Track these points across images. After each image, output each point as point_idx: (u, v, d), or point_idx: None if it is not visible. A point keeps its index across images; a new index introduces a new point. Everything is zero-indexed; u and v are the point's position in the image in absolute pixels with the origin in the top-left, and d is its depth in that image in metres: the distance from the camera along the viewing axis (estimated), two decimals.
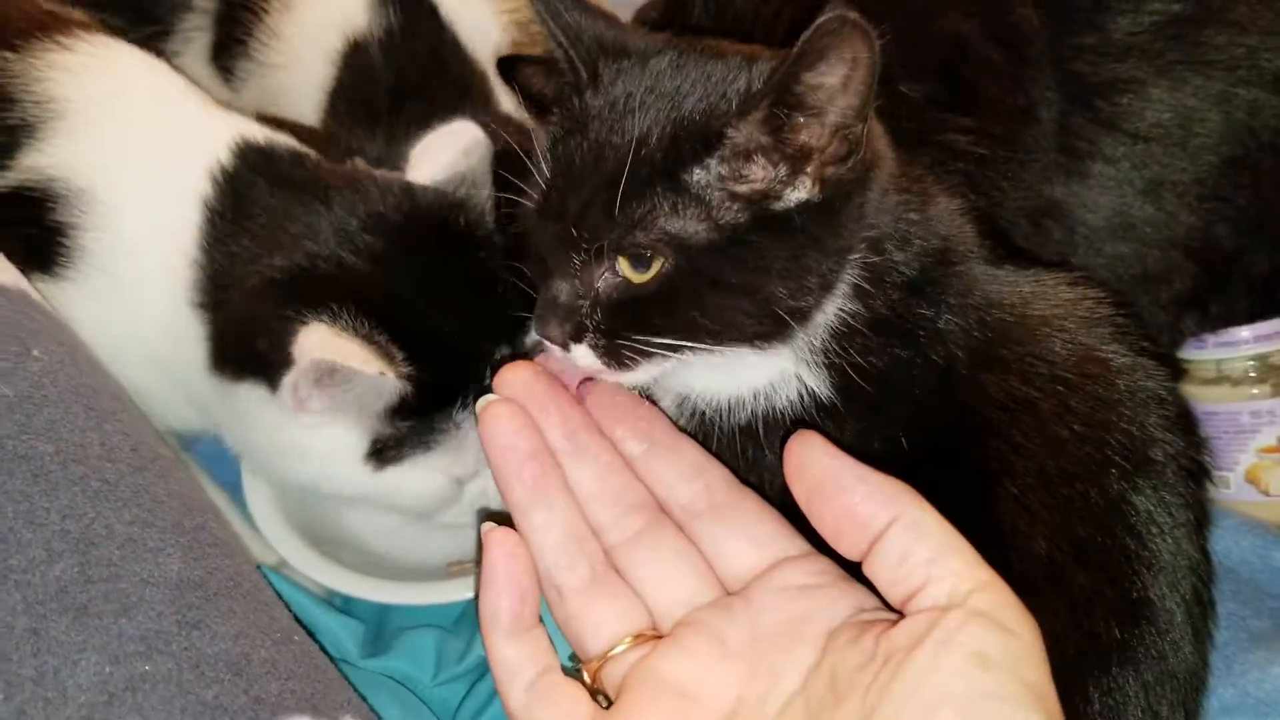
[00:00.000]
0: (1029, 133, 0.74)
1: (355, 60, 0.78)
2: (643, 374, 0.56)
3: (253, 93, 0.81)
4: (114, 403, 0.55)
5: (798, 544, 0.52)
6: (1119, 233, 0.75)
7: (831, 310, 0.55)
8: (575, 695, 0.50)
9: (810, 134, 0.50)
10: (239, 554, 0.55)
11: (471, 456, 0.67)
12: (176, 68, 0.73)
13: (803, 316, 0.54)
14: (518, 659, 0.50)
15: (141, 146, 0.67)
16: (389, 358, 0.61)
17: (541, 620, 0.52)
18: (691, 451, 0.56)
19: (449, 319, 0.65)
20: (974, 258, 0.59)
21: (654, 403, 0.60)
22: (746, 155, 0.51)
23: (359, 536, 0.77)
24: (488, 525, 0.52)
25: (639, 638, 0.51)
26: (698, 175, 0.51)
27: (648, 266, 0.52)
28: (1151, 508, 0.59)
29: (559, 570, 0.52)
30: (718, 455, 0.58)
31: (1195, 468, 0.60)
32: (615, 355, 0.54)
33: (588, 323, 0.54)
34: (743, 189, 0.51)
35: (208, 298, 0.65)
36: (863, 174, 0.53)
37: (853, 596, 0.48)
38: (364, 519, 0.78)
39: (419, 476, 0.66)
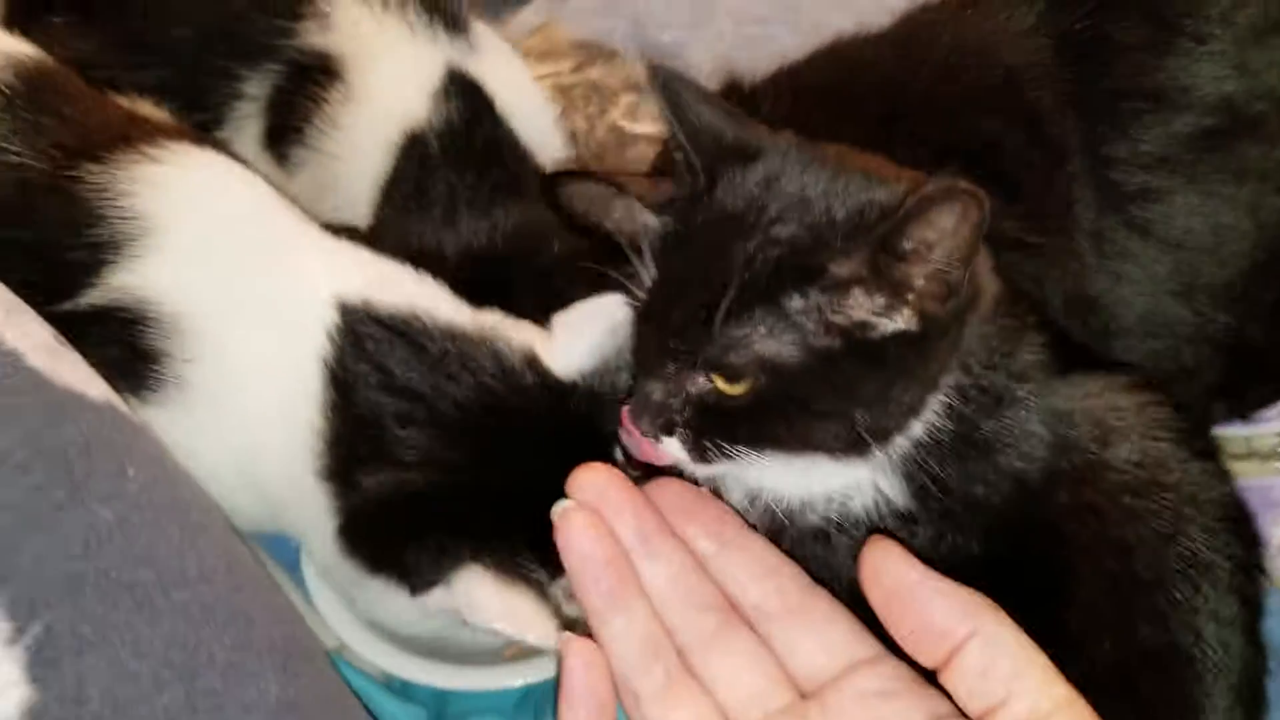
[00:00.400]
0: (1071, 227, 0.76)
1: (413, 151, 0.78)
2: (724, 468, 0.58)
3: (306, 178, 0.81)
4: (205, 516, 0.56)
5: (872, 647, 0.52)
6: (1153, 330, 0.77)
7: (916, 427, 0.56)
8: None
9: (911, 275, 0.51)
10: (327, 667, 0.56)
11: None
12: (264, 176, 0.70)
13: (886, 437, 0.55)
14: None
15: (245, 277, 0.65)
16: (541, 590, 0.61)
17: None
18: (763, 550, 0.56)
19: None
20: (1047, 373, 0.61)
21: (723, 498, 0.61)
22: (847, 287, 0.52)
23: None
24: (565, 635, 0.53)
25: None
26: (797, 302, 0.52)
27: (739, 380, 0.53)
28: (1210, 611, 0.60)
29: (636, 676, 0.52)
30: (788, 553, 0.58)
31: (1255, 569, 0.63)
32: (701, 452, 0.56)
33: (677, 419, 0.55)
34: (839, 319, 0.52)
35: (335, 472, 0.62)
36: (961, 311, 0.55)
37: (929, 704, 0.49)
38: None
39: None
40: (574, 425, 0.64)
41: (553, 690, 0.69)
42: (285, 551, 0.75)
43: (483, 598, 0.59)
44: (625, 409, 0.58)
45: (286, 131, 0.80)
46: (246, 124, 0.82)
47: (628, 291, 0.58)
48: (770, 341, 0.52)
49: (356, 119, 0.80)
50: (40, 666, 0.47)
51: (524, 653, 0.74)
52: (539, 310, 0.66)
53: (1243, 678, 0.61)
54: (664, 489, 0.57)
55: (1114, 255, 0.76)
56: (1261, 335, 0.77)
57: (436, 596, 0.60)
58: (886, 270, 0.51)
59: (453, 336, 0.63)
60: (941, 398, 0.56)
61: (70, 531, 0.49)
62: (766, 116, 0.76)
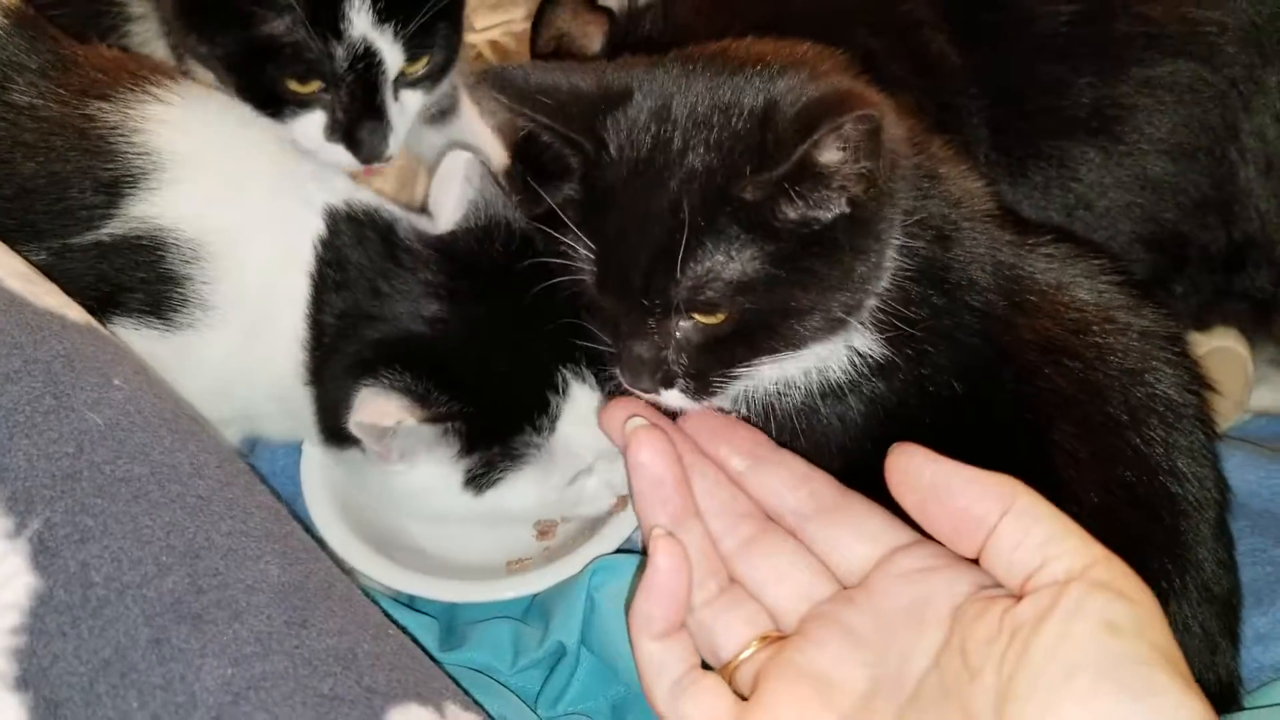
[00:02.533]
0: (960, 133, 0.75)
1: None
2: (729, 397, 0.59)
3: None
4: (193, 424, 0.56)
5: (907, 534, 0.53)
6: (1069, 228, 0.77)
7: (889, 271, 0.57)
8: (718, 690, 0.51)
9: (827, 184, 0.52)
10: (325, 558, 0.56)
11: (560, 469, 0.70)
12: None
13: (861, 307, 0.57)
14: (665, 658, 0.52)
15: (254, 203, 0.68)
16: (423, 404, 0.64)
17: None
18: (794, 462, 0.57)
19: (500, 352, 0.67)
20: (989, 213, 0.61)
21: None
22: (773, 203, 0.52)
23: (420, 541, 0.78)
24: (657, 530, 0.54)
25: (765, 639, 0.53)
26: (736, 227, 0.53)
27: (718, 310, 0.54)
28: (1185, 447, 0.61)
29: (693, 589, 0.54)
30: (779, 439, 0.60)
31: (1209, 417, 0.63)
32: (705, 390, 0.57)
33: (676, 369, 0.56)
34: (780, 225, 0.53)
35: (312, 376, 0.68)
36: (887, 186, 0.55)
37: (971, 575, 0.49)
38: (425, 524, 0.79)
39: (520, 491, 0.70)
40: (472, 265, 0.69)
41: (560, 594, 0.70)
42: (285, 486, 0.76)
43: (361, 408, 0.64)
44: (619, 375, 0.58)
45: None
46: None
47: (571, 269, 0.58)
48: (732, 264, 0.53)
49: None
50: (44, 556, 0.47)
51: (524, 566, 0.75)
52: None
53: (1219, 511, 0.62)
54: (696, 418, 0.59)
55: (1015, 154, 0.77)
56: (1180, 221, 0.78)
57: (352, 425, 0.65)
58: (803, 187, 0.52)
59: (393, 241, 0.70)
60: (894, 243, 0.57)
61: (61, 433, 0.50)
62: (649, 34, 0.77)
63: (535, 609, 0.73)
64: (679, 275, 0.52)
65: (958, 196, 0.60)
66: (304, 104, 0.72)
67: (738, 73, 0.55)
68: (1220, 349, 0.84)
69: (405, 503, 0.74)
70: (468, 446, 0.68)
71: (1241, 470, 0.76)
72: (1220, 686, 0.61)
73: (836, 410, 0.60)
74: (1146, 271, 0.79)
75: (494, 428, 0.68)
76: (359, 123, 0.73)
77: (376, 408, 0.64)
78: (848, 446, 0.60)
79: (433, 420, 0.65)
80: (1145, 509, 0.60)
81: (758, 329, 0.55)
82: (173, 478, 0.51)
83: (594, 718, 0.67)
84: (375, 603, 0.58)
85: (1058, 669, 0.42)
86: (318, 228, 0.68)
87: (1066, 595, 0.43)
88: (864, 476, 0.53)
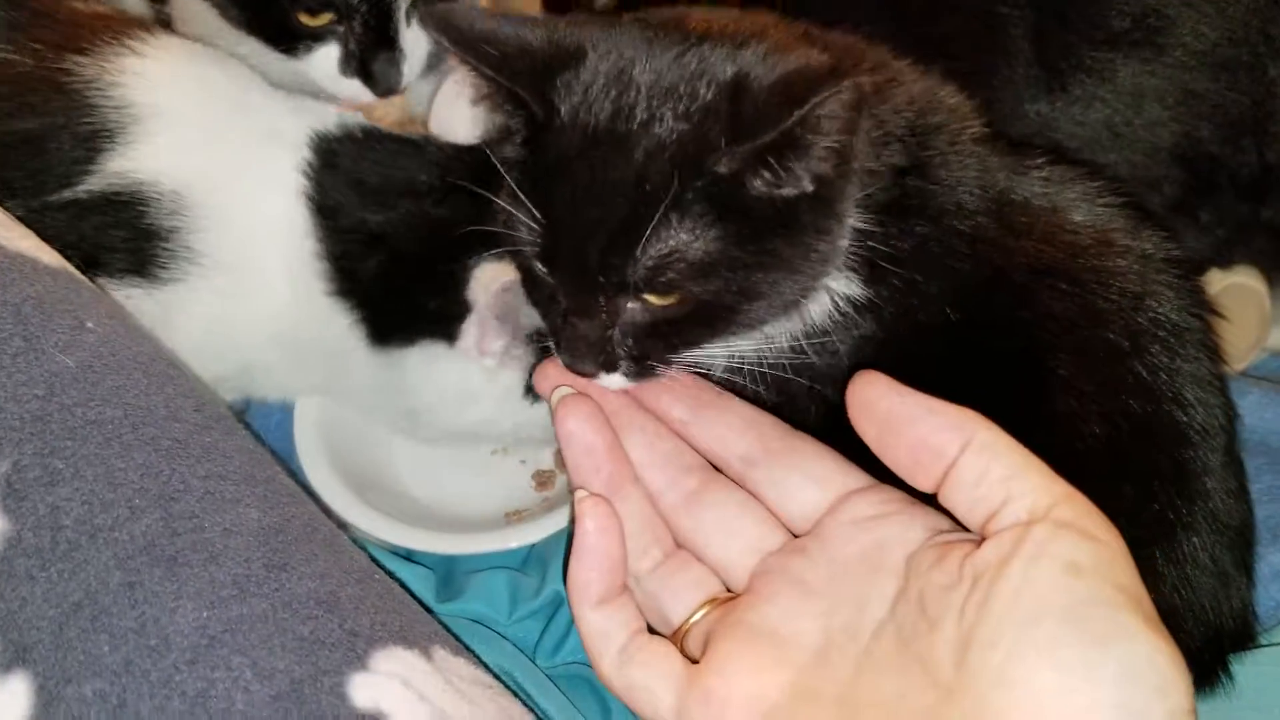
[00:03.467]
0: (999, 46, 0.74)
1: None
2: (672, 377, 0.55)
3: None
4: (170, 368, 0.55)
5: (860, 477, 0.51)
6: (1105, 143, 0.75)
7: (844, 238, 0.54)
8: (667, 654, 0.49)
9: (801, 160, 0.49)
10: (309, 503, 0.55)
11: None
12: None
13: (817, 287, 0.54)
14: (608, 626, 0.50)
15: (231, 147, 0.67)
16: None
17: None
18: (739, 406, 0.55)
19: None
20: (978, 137, 0.59)
21: None
22: (740, 177, 0.49)
23: (417, 495, 0.77)
24: (581, 493, 0.51)
25: (714, 601, 0.51)
26: (704, 203, 0.49)
27: (673, 292, 0.51)
28: (1190, 373, 0.59)
29: (633, 557, 0.51)
30: (755, 395, 0.57)
31: (1214, 342, 0.60)
32: (648, 372, 0.54)
33: (620, 351, 0.53)
34: (743, 200, 0.50)
35: (342, 285, 0.66)
36: (854, 163, 0.52)
37: (927, 519, 0.47)
38: (421, 476, 0.77)
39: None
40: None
41: (558, 544, 0.69)
42: (278, 442, 0.75)
43: (489, 275, 0.64)
44: (557, 353, 0.55)
45: None
46: None
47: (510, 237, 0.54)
48: (694, 245, 0.50)
49: None
50: (13, 499, 0.46)
51: (523, 517, 0.74)
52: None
53: (1228, 439, 0.60)
54: None
55: (1058, 66, 0.74)
56: (1213, 140, 0.75)
57: (473, 320, 0.66)
58: (782, 159, 0.49)
59: (386, 137, 0.69)
60: (854, 198, 0.54)
61: (31, 375, 0.48)
62: None
63: (533, 559, 0.71)
64: (639, 254, 0.49)
65: (939, 122, 0.57)
66: (316, 37, 0.70)
67: (702, 42, 0.52)
68: (1238, 284, 0.81)
69: (418, 431, 0.73)
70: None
71: (1259, 409, 0.74)
72: (1233, 619, 0.59)
73: (821, 357, 0.57)
74: (1176, 194, 0.77)
75: None
76: (374, 54, 0.70)
77: (495, 270, 0.64)
78: (830, 397, 0.56)
79: None
80: (1150, 438, 0.57)
81: (712, 312, 0.52)
82: (147, 420, 0.50)
83: None
84: (363, 549, 0.57)
85: (1020, 616, 0.39)
86: (305, 157, 0.67)
87: (1029, 537, 0.41)
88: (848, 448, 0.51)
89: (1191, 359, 0.58)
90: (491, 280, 0.64)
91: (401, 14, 0.70)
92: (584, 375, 0.54)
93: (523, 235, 0.52)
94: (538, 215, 0.51)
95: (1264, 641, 0.62)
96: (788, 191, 0.50)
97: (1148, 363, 0.57)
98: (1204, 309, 0.60)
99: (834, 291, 0.56)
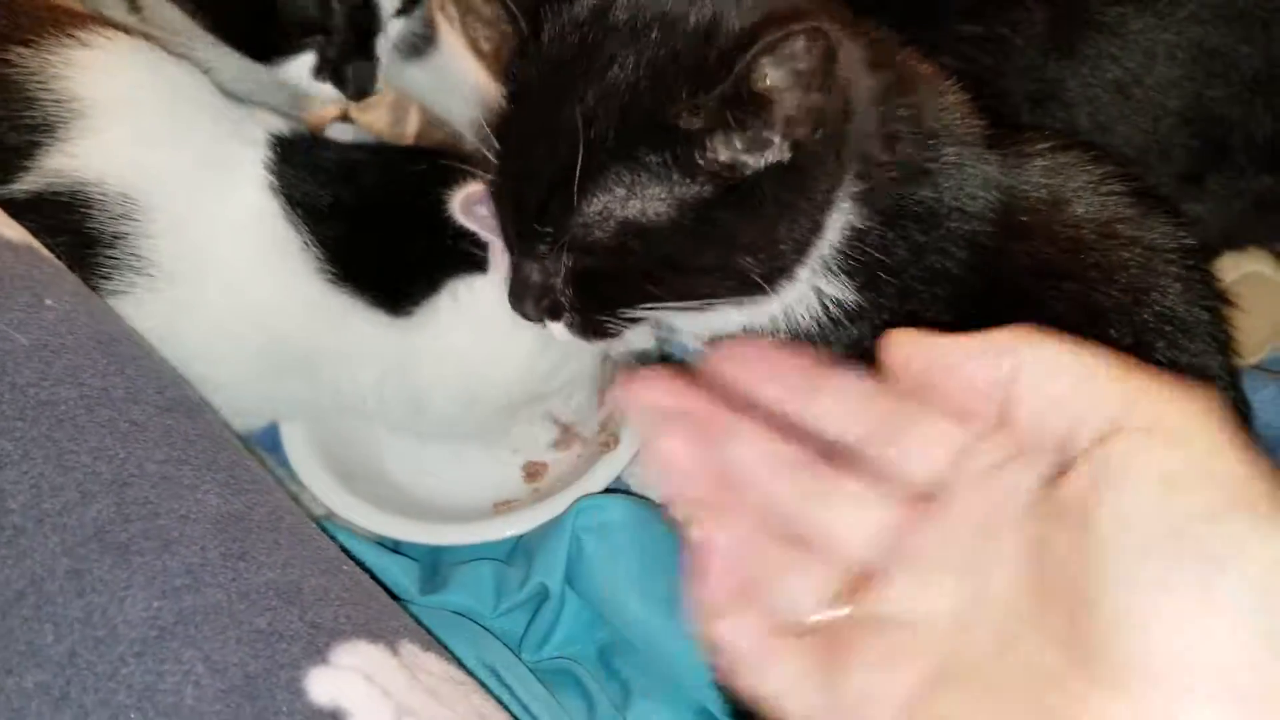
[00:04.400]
0: (1015, 9, 0.71)
1: None
2: (628, 340, 0.53)
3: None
4: (134, 348, 0.53)
5: (972, 430, 0.44)
6: (1115, 109, 0.71)
7: (835, 228, 0.51)
8: (799, 656, 0.44)
9: (769, 117, 0.45)
10: (278, 491, 0.53)
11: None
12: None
13: (784, 275, 0.50)
14: (736, 637, 0.45)
15: (191, 146, 0.63)
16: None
17: None
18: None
19: None
20: (975, 135, 0.55)
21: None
22: (704, 136, 0.45)
23: (403, 484, 0.75)
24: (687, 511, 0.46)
25: (839, 594, 0.46)
26: (654, 156, 0.46)
27: (604, 253, 0.48)
28: (1196, 367, 0.56)
29: (752, 566, 0.46)
30: None
31: (1224, 334, 0.57)
32: (594, 328, 0.51)
33: (562, 299, 0.50)
34: (704, 164, 0.46)
35: (341, 269, 0.63)
36: (836, 130, 0.48)
37: (1039, 461, 0.40)
38: (408, 465, 0.75)
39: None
40: None
41: (544, 536, 0.66)
42: (262, 436, 0.74)
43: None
44: (506, 295, 0.52)
45: None
46: None
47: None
48: (634, 203, 0.46)
49: None
50: None
51: (511, 507, 0.71)
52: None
53: None
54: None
55: (1069, 27, 0.71)
56: (1225, 102, 0.71)
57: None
58: (741, 117, 0.45)
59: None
60: (847, 194, 0.51)
61: None
62: None
63: (519, 551, 0.69)
64: (575, 204, 0.46)
65: (945, 123, 0.54)
66: (297, 50, 0.69)
67: None
68: (1253, 274, 0.78)
69: (424, 415, 0.69)
70: None
71: (1275, 403, 0.70)
72: None
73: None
74: (1186, 163, 0.73)
75: None
76: (348, 61, 0.69)
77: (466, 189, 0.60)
78: None
79: None
80: None
81: (652, 277, 0.49)
82: (103, 402, 0.48)
83: (580, 662, 0.64)
84: (333, 538, 0.54)
85: (1125, 554, 0.35)
86: (267, 155, 0.64)
87: (1111, 459, 0.36)
88: None
89: (1196, 353, 0.55)
90: (459, 196, 0.60)
91: (382, 27, 0.69)
92: (528, 319, 0.51)
93: (490, 160, 0.50)
94: (495, 145, 0.49)
95: None
96: (752, 159, 0.46)
97: (1152, 359, 0.54)
98: (1215, 300, 0.57)
99: (824, 294, 0.53)
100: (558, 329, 0.51)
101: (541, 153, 0.47)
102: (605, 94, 0.46)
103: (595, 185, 0.46)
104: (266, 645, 0.45)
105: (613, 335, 0.51)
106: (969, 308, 0.54)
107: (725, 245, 0.48)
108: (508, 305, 0.53)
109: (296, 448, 0.72)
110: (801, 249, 0.50)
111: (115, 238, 0.60)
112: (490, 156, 0.49)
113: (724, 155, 0.46)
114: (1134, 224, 0.56)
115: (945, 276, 0.54)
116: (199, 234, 0.62)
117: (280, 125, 0.67)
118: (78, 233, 0.60)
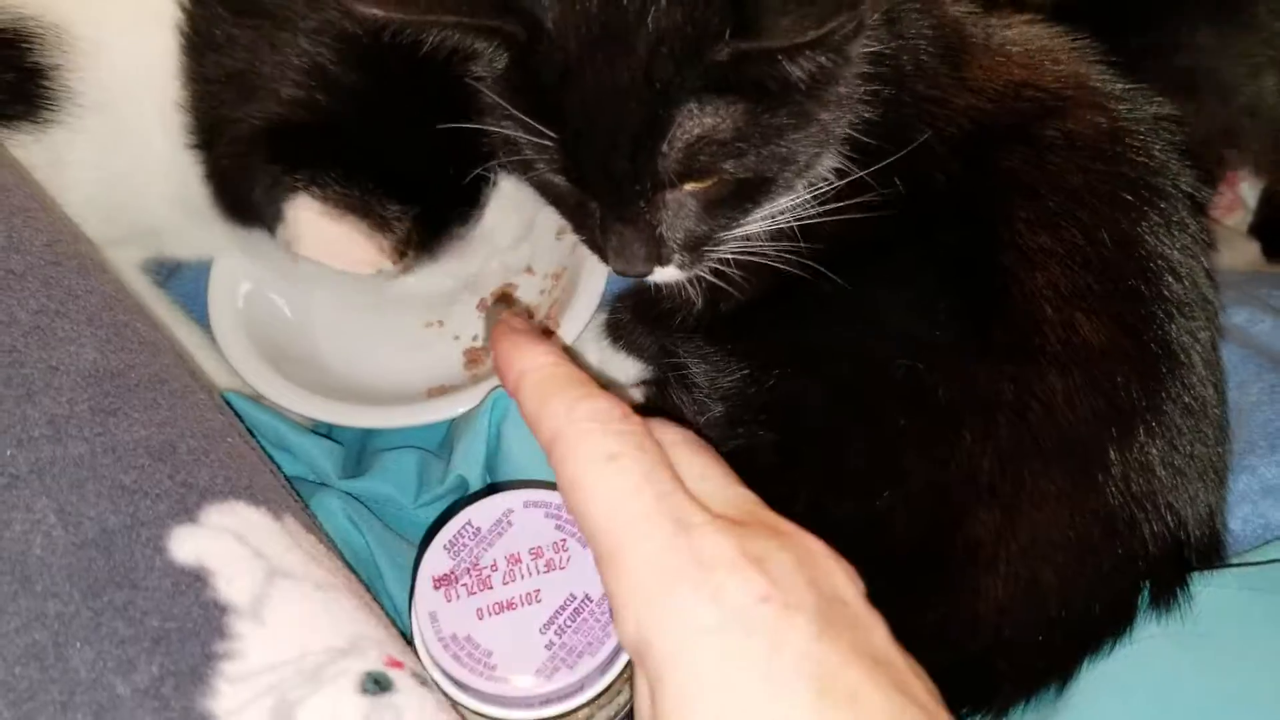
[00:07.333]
0: None
1: None
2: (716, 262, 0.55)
3: None
4: (29, 201, 0.50)
5: None
6: None
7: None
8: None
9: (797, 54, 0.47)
10: (168, 354, 0.50)
11: (479, 254, 0.66)
12: None
13: (841, 124, 0.52)
14: None
15: None
16: (384, 227, 0.58)
17: None
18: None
19: (432, 142, 0.59)
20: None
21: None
22: (742, 64, 0.47)
23: (335, 365, 0.72)
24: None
25: None
26: (716, 83, 0.47)
27: (710, 174, 0.49)
28: (1165, 245, 0.52)
29: None
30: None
31: (1199, 198, 0.54)
32: (699, 259, 0.53)
33: (672, 244, 0.52)
34: (753, 80, 0.48)
35: (200, 138, 0.60)
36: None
37: None
38: (344, 348, 0.73)
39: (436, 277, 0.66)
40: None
41: (466, 425, 0.64)
42: (202, 311, 0.71)
43: (304, 224, 0.57)
44: (608, 264, 0.54)
45: None
46: None
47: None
48: (720, 126, 0.48)
49: None
50: None
51: (445, 391, 0.69)
52: None
53: (1205, 322, 0.53)
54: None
55: None
56: None
57: (280, 231, 0.58)
58: (773, 56, 0.46)
59: None
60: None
61: None
62: None
63: (446, 443, 0.67)
64: (667, 148, 0.48)
65: None
66: None
67: None
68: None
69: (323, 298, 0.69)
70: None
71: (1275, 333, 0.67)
72: (1200, 528, 0.53)
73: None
74: None
75: (431, 230, 0.63)
76: None
77: (322, 233, 0.59)
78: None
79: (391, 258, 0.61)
80: (1112, 320, 0.51)
81: (750, 183, 0.51)
82: None
83: None
84: (230, 406, 0.52)
85: None
86: None
87: None
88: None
89: (1166, 230, 0.52)
90: (304, 232, 0.58)
91: None
92: (639, 276, 0.53)
93: (530, 155, 0.51)
94: (549, 132, 0.49)
95: (1235, 561, 0.56)
96: (794, 71, 0.48)
97: (1116, 233, 0.51)
98: (1186, 173, 0.54)
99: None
100: (667, 271, 0.53)
101: (612, 118, 0.47)
102: (652, 44, 0.46)
103: (678, 126, 0.47)
104: (129, 501, 0.42)
105: (708, 261, 0.54)
106: (930, 174, 0.53)
107: (802, 126, 0.50)
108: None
109: (224, 330, 0.70)
110: (846, 108, 0.52)
111: (52, 69, 0.59)
112: (544, 144, 0.50)
113: (764, 72, 0.47)
114: (1107, 90, 0.55)
115: (910, 136, 0.53)
116: (114, 70, 0.60)
117: None
118: (20, 67, 0.59)
